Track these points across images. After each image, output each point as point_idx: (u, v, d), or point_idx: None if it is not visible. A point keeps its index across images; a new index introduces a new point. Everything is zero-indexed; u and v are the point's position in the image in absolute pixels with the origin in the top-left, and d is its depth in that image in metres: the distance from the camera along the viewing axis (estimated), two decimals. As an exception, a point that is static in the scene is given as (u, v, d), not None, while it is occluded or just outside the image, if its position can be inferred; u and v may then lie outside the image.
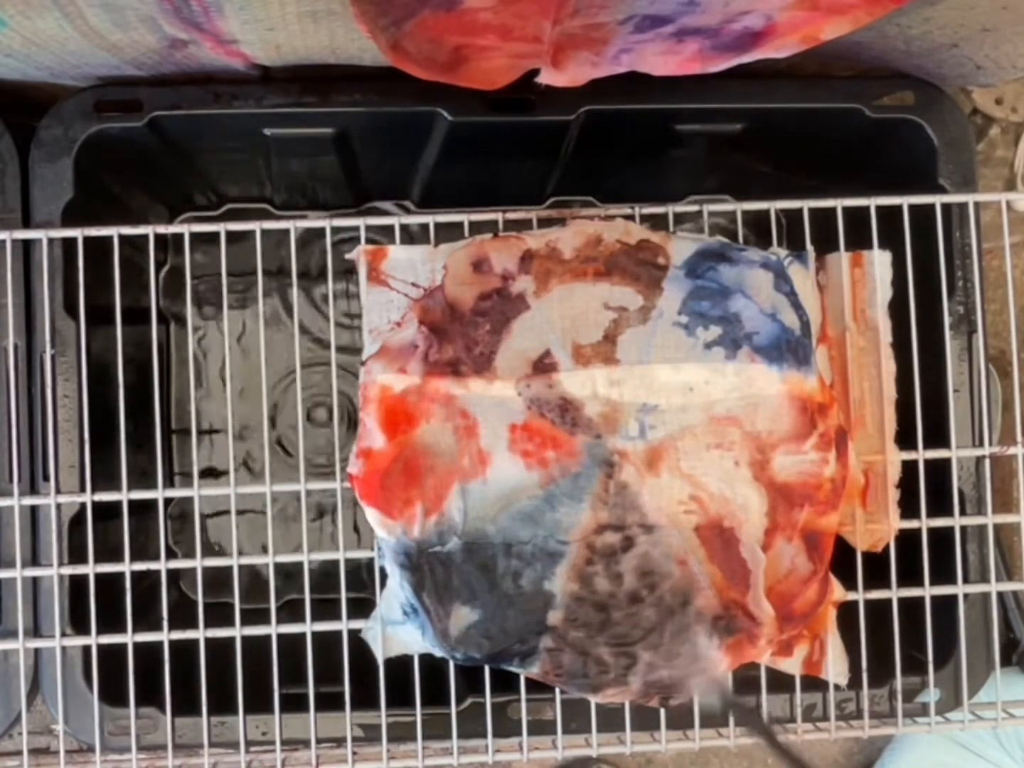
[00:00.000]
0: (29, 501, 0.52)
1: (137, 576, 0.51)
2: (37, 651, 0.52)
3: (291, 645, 0.50)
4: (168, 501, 0.53)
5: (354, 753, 0.50)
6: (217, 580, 0.60)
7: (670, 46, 0.47)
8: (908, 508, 0.53)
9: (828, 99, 0.57)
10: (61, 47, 0.48)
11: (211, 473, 0.70)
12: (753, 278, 0.51)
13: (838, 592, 0.51)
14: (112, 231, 0.51)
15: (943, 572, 0.53)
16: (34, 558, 0.52)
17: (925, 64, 0.57)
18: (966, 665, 0.53)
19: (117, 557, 0.51)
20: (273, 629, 0.50)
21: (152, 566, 0.51)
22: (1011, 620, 0.76)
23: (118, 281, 0.51)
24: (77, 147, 0.53)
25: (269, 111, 0.55)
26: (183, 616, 0.52)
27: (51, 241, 0.52)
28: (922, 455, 0.53)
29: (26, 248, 0.53)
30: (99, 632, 0.50)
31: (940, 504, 0.53)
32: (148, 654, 0.50)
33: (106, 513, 0.51)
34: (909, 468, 0.53)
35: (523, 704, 0.51)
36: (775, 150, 0.63)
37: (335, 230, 0.52)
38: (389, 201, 0.70)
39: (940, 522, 0.53)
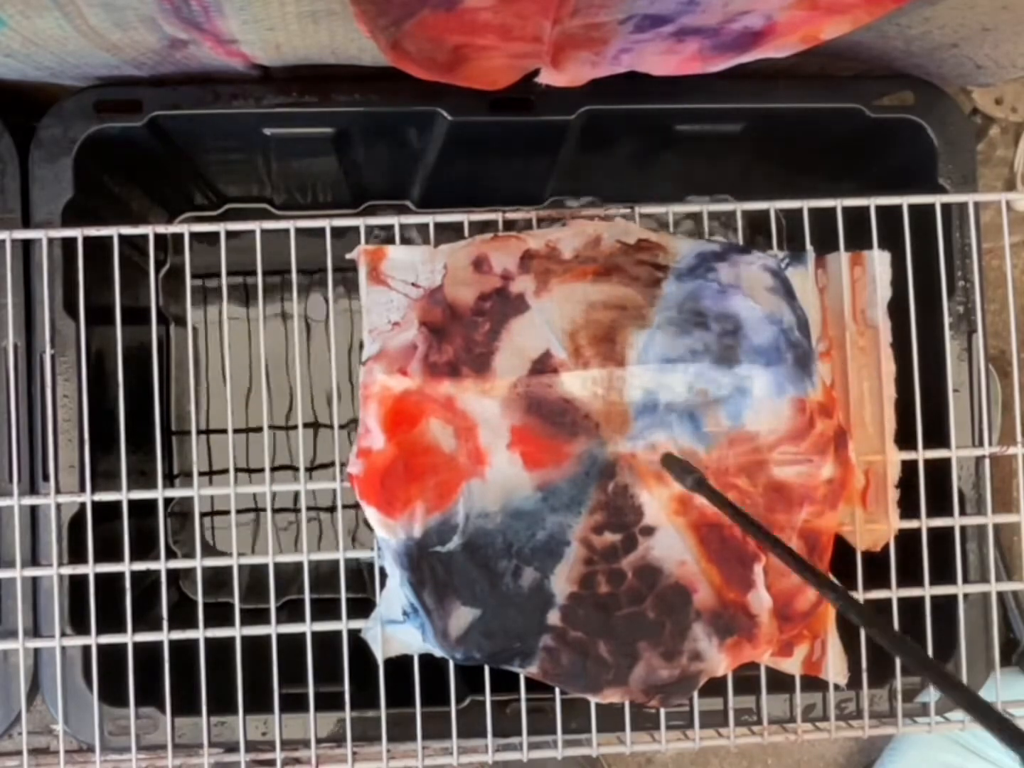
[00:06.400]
0: (29, 501, 0.51)
1: (137, 576, 0.51)
2: (37, 651, 0.52)
3: (291, 645, 0.50)
4: (168, 501, 0.53)
5: (354, 753, 0.50)
6: (217, 580, 0.61)
7: (670, 46, 0.47)
8: (908, 508, 0.53)
9: (828, 99, 0.57)
10: (61, 47, 0.48)
11: (211, 473, 0.70)
12: (752, 278, 0.51)
13: (838, 592, 0.51)
14: (112, 231, 0.51)
15: (943, 572, 0.53)
16: (34, 558, 0.52)
17: (925, 64, 0.57)
18: (966, 665, 0.53)
19: (117, 557, 0.51)
20: (273, 629, 0.50)
21: (152, 566, 0.51)
22: (1011, 620, 0.76)
23: (118, 281, 0.51)
24: (77, 147, 0.53)
25: (269, 111, 0.55)
26: (183, 616, 0.52)
27: (51, 241, 0.52)
28: (922, 455, 0.53)
29: (26, 248, 0.53)
30: (99, 632, 0.50)
31: (940, 504, 0.53)
32: (148, 654, 0.50)
33: (106, 513, 0.51)
34: (909, 468, 0.53)
35: (523, 704, 0.51)
36: (775, 150, 0.63)
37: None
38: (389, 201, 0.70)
39: (940, 522, 0.53)
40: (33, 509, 0.52)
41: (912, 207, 0.53)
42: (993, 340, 0.71)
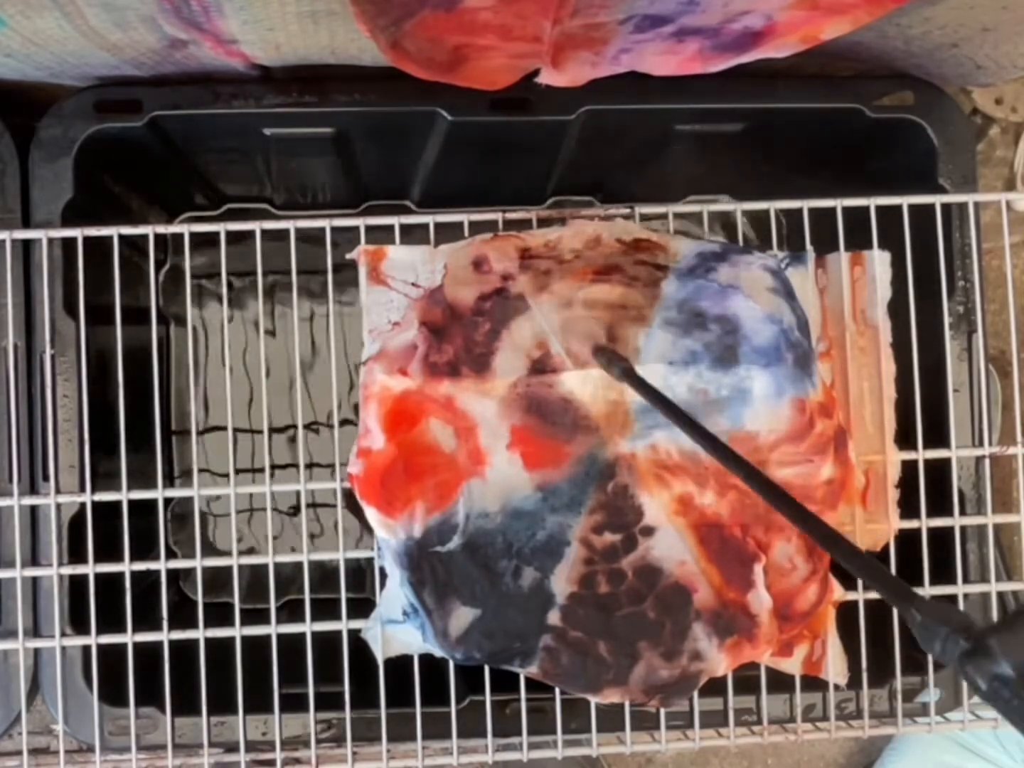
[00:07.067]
0: (29, 501, 0.51)
1: (137, 576, 0.51)
2: (37, 651, 0.52)
3: (291, 645, 0.50)
4: (168, 501, 0.53)
5: (354, 753, 0.50)
6: (217, 580, 0.60)
7: (670, 46, 0.47)
8: (908, 508, 0.53)
9: (828, 99, 0.57)
10: (61, 47, 0.48)
11: (211, 473, 0.70)
12: (752, 278, 0.51)
13: (838, 592, 0.51)
14: (112, 231, 0.51)
15: (943, 572, 0.53)
16: (34, 558, 0.52)
17: (925, 64, 0.57)
18: (966, 665, 0.53)
19: (117, 557, 0.51)
20: (273, 629, 0.50)
21: (152, 566, 0.51)
22: (1011, 620, 0.76)
23: (118, 281, 0.51)
24: (77, 147, 0.53)
25: (269, 111, 0.55)
26: (183, 616, 0.52)
27: (51, 241, 0.52)
28: (922, 455, 0.53)
29: (26, 248, 0.53)
30: (99, 632, 0.50)
31: (940, 504, 0.53)
32: (148, 654, 0.50)
33: (106, 513, 0.51)
34: (909, 468, 0.53)
35: (523, 704, 0.51)
36: (775, 150, 0.63)
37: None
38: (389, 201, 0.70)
39: (940, 522, 0.53)
40: (33, 509, 0.52)
41: (912, 207, 0.53)
42: (993, 340, 0.71)
